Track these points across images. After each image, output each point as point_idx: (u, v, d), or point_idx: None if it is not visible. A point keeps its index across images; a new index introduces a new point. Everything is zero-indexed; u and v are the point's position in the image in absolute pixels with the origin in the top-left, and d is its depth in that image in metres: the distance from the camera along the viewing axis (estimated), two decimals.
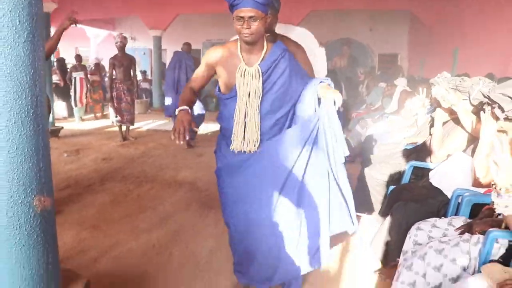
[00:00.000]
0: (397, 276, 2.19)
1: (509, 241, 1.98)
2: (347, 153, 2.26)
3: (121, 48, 7.25)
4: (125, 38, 7.32)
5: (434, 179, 2.87)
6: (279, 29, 2.71)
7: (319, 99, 2.26)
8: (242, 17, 2.09)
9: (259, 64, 2.25)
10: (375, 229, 3.14)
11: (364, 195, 3.63)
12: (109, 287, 2.72)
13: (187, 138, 2.18)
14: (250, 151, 2.33)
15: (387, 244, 2.79)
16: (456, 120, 3.22)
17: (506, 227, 2.02)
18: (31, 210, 2.00)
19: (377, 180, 3.55)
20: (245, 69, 2.24)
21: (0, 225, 1.99)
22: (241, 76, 2.25)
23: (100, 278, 2.76)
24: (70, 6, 5.80)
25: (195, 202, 4.32)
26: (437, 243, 2.11)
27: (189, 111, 2.26)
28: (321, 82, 2.28)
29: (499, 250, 1.99)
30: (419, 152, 3.60)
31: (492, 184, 1.83)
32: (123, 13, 13.33)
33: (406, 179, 3.29)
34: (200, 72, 2.40)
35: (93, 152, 6.72)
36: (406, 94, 6.22)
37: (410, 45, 13.09)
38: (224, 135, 2.49)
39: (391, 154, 3.84)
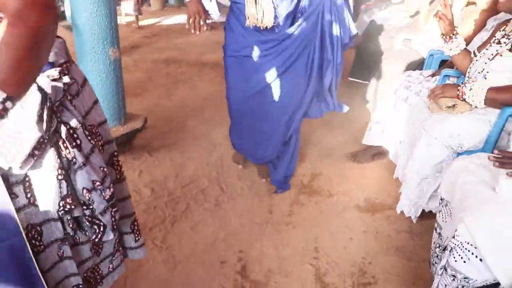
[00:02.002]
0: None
1: (457, 77, 2.67)
2: (346, 40, 2.52)
3: None
4: None
5: (415, 43, 3.51)
6: None
7: None
8: None
9: None
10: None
11: (360, 64, 4.30)
12: (156, 134, 3.50)
13: (205, 29, 2.31)
14: (266, 26, 2.26)
15: (375, 96, 3.51)
16: None
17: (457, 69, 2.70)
18: (107, 58, 2.71)
19: (373, 50, 4.18)
20: None
21: (87, 70, 2.72)
22: None
23: (147, 128, 3.51)
24: None
25: (220, 76, 4.96)
26: (406, 82, 2.82)
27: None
28: None
29: None
30: (410, 28, 4.17)
31: (441, 34, 2.43)
32: None
33: (395, 48, 3.91)
34: None
35: (121, 41, 7.29)
36: None
37: None
38: (233, 10, 2.41)
39: (387, 30, 4.40)
